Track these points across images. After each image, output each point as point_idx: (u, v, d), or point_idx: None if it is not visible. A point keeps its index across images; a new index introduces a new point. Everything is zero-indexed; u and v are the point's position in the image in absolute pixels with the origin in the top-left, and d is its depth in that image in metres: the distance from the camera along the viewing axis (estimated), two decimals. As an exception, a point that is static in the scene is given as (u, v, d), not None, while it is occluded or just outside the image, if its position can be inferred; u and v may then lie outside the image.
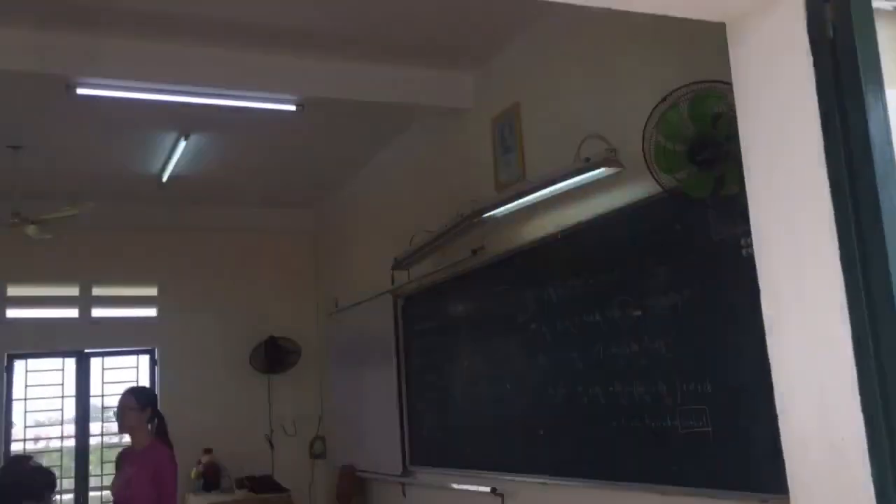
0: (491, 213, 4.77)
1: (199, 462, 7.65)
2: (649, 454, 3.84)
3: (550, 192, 4.31)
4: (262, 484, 7.17)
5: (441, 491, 5.93)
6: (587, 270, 4.29)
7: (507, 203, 4.62)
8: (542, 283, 4.66)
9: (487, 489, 5.20)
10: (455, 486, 5.63)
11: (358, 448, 7.42)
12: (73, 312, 7.97)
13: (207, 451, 7.70)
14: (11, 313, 7.71)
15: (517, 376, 4.96)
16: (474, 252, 5.33)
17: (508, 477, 5.03)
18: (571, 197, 4.36)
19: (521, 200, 4.51)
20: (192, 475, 7.64)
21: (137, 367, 8.20)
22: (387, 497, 6.92)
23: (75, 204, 6.11)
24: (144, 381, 8.09)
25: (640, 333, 3.90)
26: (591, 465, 4.27)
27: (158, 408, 4.45)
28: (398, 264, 6.07)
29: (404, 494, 6.55)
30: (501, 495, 5.13)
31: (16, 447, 7.43)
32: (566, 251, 4.46)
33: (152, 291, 8.28)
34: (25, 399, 7.70)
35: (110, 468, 8.10)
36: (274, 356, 8.28)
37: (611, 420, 4.08)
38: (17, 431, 7.59)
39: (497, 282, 5.15)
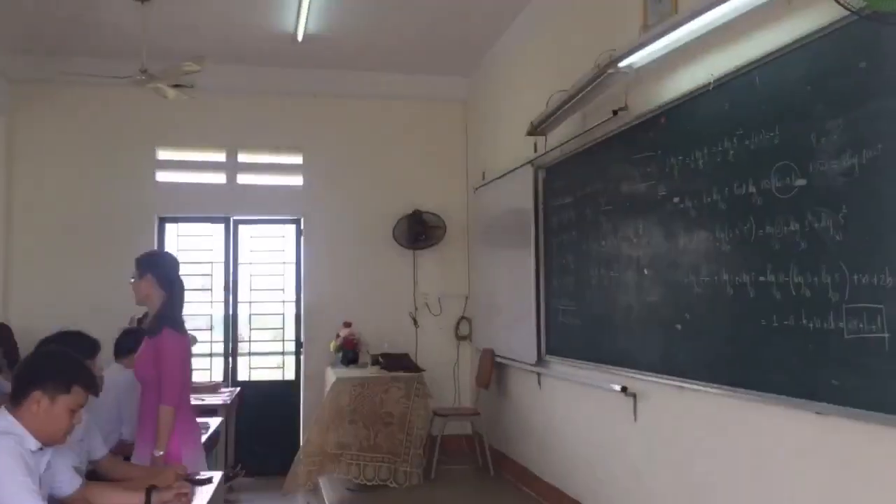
0: (630, 59, 3.91)
1: (338, 335, 7.45)
2: (805, 362, 3.03)
3: (701, 26, 3.41)
4: (396, 362, 6.84)
5: (574, 385, 5.32)
6: (741, 129, 3.39)
7: (648, 45, 3.74)
8: (687, 148, 3.80)
9: (618, 388, 4.54)
10: (589, 382, 5.00)
11: (497, 332, 6.92)
12: (220, 178, 7.87)
13: (347, 324, 7.47)
14: (161, 176, 7.71)
15: (655, 260, 4.19)
16: (615, 113, 4.49)
17: (642, 376, 4.34)
18: (727, 36, 3.46)
19: (664, 39, 3.62)
20: (332, 348, 7.47)
21: (284, 237, 8.06)
22: (523, 386, 6.41)
23: (199, 59, 5.77)
24: (290, 252, 7.95)
25: (802, 209, 3.02)
26: (733, 370, 3.50)
27: (178, 276, 3.63)
28: (533, 129, 5.32)
29: (539, 385, 6.00)
30: (634, 395, 4.46)
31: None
32: (718, 106, 3.56)
33: (297, 160, 8.02)
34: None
35: (258, 335, 8.17)
36: (418, 230, 7.86)
37: (759, 317, 3.27)
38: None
39: (638, 147, 4.32)
